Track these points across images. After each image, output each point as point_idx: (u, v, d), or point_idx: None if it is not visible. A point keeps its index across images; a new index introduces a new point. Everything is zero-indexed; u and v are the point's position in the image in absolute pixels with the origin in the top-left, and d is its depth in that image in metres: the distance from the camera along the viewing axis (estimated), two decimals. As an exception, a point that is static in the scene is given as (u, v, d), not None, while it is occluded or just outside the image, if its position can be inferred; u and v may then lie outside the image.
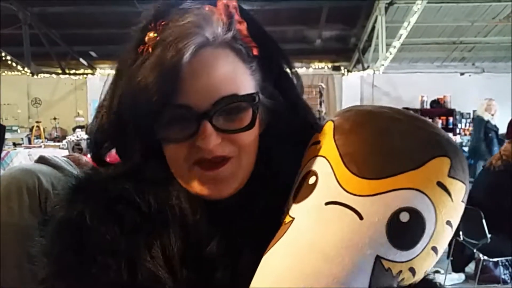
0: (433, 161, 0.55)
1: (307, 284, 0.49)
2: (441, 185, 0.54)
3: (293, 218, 0.56)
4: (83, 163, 1.97)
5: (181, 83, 0.54)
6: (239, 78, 0.59)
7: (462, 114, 10.03)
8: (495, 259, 3.79)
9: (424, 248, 0.54)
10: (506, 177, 3.72)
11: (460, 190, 0.56)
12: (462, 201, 0.57)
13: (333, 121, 0.62)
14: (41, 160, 1.87)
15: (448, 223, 0.55)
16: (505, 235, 3.60)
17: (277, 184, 0.63)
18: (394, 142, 0.56)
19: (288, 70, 0.67)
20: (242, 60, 0.60)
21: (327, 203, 0.54)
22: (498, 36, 7.78)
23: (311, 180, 0.57)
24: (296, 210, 0.57)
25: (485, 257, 3.68)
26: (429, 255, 0.55)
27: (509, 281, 4.02)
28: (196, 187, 0.59)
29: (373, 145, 0.56)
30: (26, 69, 8.19)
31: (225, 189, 0.60)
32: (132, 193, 0.60)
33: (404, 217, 0.52)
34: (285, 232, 0.55)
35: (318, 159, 0.59)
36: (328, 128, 0.62)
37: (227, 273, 0.57)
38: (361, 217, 0.52)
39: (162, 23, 0.56)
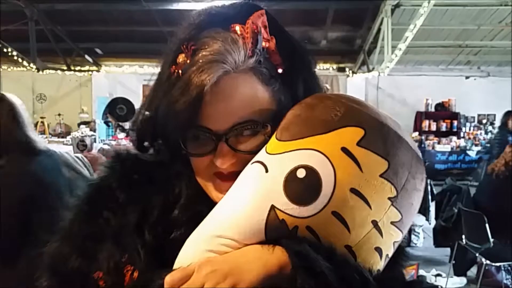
0: (343, 129, 0.58)
1: (220, 231, 0.57)
2: (346, 151, 0.56)
3: None
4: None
5: (203, 108, 0.61)
6: (257, 102, 0.64)
7: (466, 118, 10.01)
8: (498, 264, 3.77)
9: (322, 209, 0.55)
10: (509, 182, 3.71)
11: (374, 163, 0.56)
12: (382, 177, 0.56)
13: None
14: None
15: (354, 191, 0.55)
16: (508, 240, 3.59)
17: None
18: (314, 113, 0.61)
19: (311, 80, 0.71)
20: (263, 83, 0.65)
21: (252, 163, 0.61)
22: (504, 40, 7.76)
23: None
24: None
25: (488, 262, 3.67)
26: (331, 221, 0.55)
27: (511, 286, 4.01)
28: (213, 194, 0.67)
29: (298, 116, 0.62)
30: (31, 65, 8.24)
31: None
32: (154, 176, 0.71)
33: (301, 173, 0.56)
34: None
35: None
36: None
37: (181, 236, 0.63)
38: (267, 170, 0.58)
39: (192, 47, 0.62)
